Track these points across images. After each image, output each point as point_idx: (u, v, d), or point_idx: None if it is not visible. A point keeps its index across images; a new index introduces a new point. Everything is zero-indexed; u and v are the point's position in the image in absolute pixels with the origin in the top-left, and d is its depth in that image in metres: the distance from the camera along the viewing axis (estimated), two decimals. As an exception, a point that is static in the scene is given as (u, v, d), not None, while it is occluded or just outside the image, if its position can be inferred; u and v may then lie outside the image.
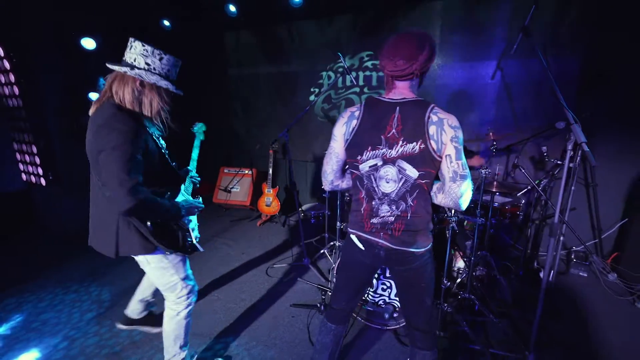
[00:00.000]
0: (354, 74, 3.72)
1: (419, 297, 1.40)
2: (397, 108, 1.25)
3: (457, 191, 1.20)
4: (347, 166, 1.43)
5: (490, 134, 2.33)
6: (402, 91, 1.27)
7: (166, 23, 3.94)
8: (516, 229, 3.27)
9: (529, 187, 2.47)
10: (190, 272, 1.67)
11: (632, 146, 2.73)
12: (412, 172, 1.23)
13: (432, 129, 1.18)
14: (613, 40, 2.61)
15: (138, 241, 1.41)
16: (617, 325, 2.22)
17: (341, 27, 3.72)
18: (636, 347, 2.01)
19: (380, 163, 1.27)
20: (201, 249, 1.66)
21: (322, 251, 3.19)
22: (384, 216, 1.31)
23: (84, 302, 2.48)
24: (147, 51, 1.32)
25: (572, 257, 2.97)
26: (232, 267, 3.07)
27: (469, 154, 2.65)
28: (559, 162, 2.31)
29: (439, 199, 1.29)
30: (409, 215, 1.28)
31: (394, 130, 1.23)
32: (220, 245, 3.55)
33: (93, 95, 3.24)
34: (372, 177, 1.31)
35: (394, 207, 1.29)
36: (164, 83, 1.36)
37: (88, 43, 3.12)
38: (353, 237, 1.44)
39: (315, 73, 4.04)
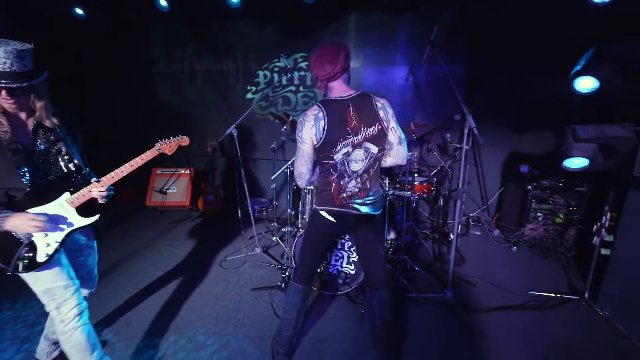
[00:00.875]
0: (296, 73, 3.97)
1: (377, 249, 1.78)
2: (350, 103, 1.58)
3: (403, 150, 1.65)
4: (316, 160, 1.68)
5: (411, 124, 2.89)
6: (341, 89, 1.60)
7: (79, 11, 3.56)
8: (430, 203, 4.01)
9: (439, 168, 3.13)
10: (58, 284, 1.46)
11: (503, 134, 3.68)
12: (374, 149, 1.60)
13: (381, 113, 1.58)
14: (483, 56, 3.47)
15: None
16: (502, 264, 3.03)
17: (277, 28, 3.94)
18: (513, 277, 2.79)
19: (351, 149, 1.59)
20: (17, 270, 1.38)
21: (273, 238, 3.40)
22: (350, 190, 1.64)
23: (26, 317, 2.22)
24: None
25: (470, 221, 3.82)
26: (183, 265, 3.04)
27: None
28: (458, 145, 3.00)
29: (389, 161, 1.69)
30: (368, 184, 1.64)
31: (354, 121, 1.57)
32: (165, 247, 3.42)
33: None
34: (345, 162, 1.61)
35: (358, 180, 1.63)
36: None
37: (-16, 28, 2.67)
38: (323, 212, 1.71)
39: (252, 72, 4.17)
